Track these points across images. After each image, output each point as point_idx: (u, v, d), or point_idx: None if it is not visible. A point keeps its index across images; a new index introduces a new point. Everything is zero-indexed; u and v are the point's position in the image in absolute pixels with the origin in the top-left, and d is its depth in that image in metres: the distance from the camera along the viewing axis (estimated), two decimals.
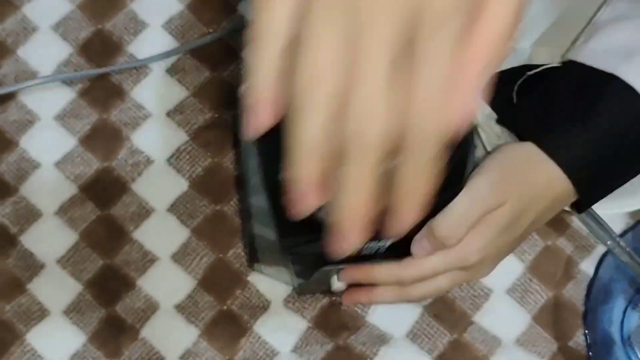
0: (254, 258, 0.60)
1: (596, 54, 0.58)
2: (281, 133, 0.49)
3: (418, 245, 0.56)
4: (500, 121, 0.62)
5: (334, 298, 0.65)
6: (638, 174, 0.59)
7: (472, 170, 0.57)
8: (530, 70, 0.64)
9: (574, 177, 0.56)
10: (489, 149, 0.66)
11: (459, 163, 0.54)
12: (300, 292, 0.64)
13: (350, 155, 0.33)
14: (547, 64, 0.63)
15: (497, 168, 0.56)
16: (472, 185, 0.55)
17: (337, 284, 0.59)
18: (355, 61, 0.32)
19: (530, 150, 0.57)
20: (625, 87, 0.56)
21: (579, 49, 0.60)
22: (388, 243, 0.56)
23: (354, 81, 0.32)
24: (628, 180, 0.59)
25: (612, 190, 0.59)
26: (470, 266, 0.57)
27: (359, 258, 0.57)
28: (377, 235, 0.55)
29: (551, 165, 0.56)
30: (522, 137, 0.58)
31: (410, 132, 0.33)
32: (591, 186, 0.58)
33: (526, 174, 0.56)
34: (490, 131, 0.66)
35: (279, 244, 0.55)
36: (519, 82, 0.65)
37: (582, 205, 0.60)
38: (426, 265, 0.56)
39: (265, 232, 0.55)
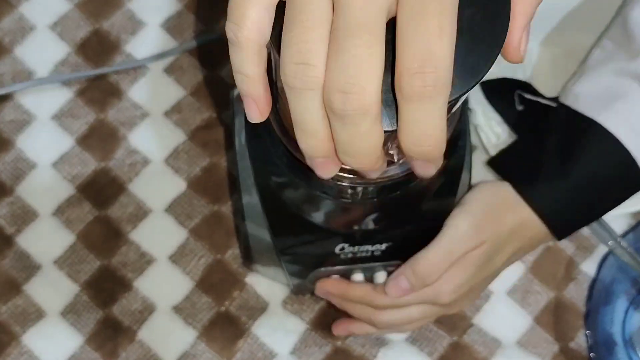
0: (249, 258, 0.60)
1: (581, 98, 0.59)
2: (270, 135, 0.49)
3: (394, 284, 0.56)
4: (489, 164, 0.63)
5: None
6: (612, 209, 0.60)
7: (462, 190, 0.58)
8: (532, 91, 0.65)
9: (551, 223, 0.58)
10: (488, 149, 0.66)
11: (455, 168, 0.55)
12: (296, 292, 0.64)
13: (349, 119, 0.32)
14: (543, 98, 0.63)
15: (480, 208, 0.57)
16: (453, 224, 0.56)
17: None
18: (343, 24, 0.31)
19: (507, 191, 0.58)
20: (605, 134, 0.57)
21: (568, 90, 0.61)
22: (383, 247, 0.56)
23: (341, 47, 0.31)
24: (605, 212, 0.60)
25: (587, 224, 0.61)
26: (442, 304, 0.58)
27: (354, 260, 0.57)
28: (373, 239, 0.55)
29: (526, 209, 0.57)
30: (506, 180, 0.59)
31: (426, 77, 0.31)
32: (566, 227, 0.60)
33: (502, 215, 0.58)
34: (490, 131, 0.66)
35: (273, 244, 0.55)
36: (517, 92, 0.65)
37: (558, 238, 0.61)
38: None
39: (259, 232, 0.55)
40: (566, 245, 0.67)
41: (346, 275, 0.60)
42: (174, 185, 0.67)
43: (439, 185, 0.54)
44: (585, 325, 0.65)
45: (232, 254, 0.66)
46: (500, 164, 0.62)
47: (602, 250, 0.67)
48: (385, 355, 0.64)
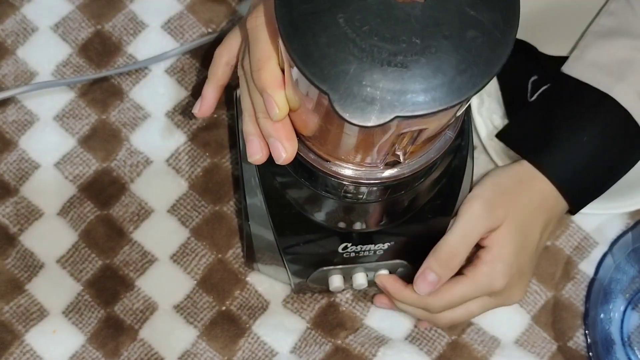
0: (251, 257, 0.60)
1: (591, 69, 0.59)
2: None
3: (422, 280, 0.56)
4: (498, 137, 0.63)
5: (332, 299, 0.65)
6: (621, 177, 0.61)
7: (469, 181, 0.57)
8: (539, 74, 0.65)
9: (566, 192, 0.59)
10: (486, 144, 0.66)
11: (457, 168, 0.55)
12: (297, 291, 0.64)
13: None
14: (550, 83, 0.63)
15: (489, 189, 0.58)
16: (466, 208, 0.57)
17: (335, 284, 0.59)
18: None
19: (519, 170, 0.59)
20: (618, 108, 0.58)
21: (574, 61, 0.61)
22: (386, 246, 0.56)
23: None
24: (614, 184, 0.61)
25: (599, 195, 0.61)
26: (498, 291, 0.58)
27: (357, 260, 0.57)
28: (376, 239, 0.55)
29: (541, 182, 0.58)
30: (518, 153, 0.60)
31: None
32: (581, 197, 0.60)
33: (517, 193, 0.58)
34: (491, 124, 0.66)
35: (276, 244, 0.55)
36: (531, 80, 0.65)
37: (573, 211, 0.61)
38: (454, 293, 0.57)
39: (263, 231, 0.55)
40: (564, 245, 0.67)
41: (348, 275, 0.60)
42: (176, 186, 0.67)
43: (441, 185, 0.54)
44: (584, 325, 0.66)
45: (233, 253, 0.66)
46: (511, 136, 0.62)
47: (600, 250, 0.67)
48: (384, 354, 0.64)
